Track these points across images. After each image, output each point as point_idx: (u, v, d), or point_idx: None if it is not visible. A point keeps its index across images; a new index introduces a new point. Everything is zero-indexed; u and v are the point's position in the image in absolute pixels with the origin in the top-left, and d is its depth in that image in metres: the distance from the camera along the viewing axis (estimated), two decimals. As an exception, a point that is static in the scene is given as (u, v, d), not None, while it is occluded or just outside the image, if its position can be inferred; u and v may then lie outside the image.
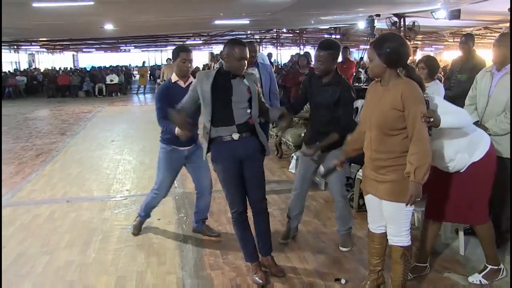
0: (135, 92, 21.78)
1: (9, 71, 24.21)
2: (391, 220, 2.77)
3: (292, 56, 14.57)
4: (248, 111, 3.12)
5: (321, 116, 3.62)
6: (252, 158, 3.24)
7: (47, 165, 6.95)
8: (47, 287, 3.31)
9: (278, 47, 23.79)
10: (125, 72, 24.57)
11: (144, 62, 23.84)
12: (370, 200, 2.91)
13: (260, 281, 3.19)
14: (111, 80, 20.34)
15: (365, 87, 10.82)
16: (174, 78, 3.76)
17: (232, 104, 3.07)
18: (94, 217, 4.60)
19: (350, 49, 12.09)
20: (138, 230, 4.19)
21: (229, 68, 3.09)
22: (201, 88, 3.06)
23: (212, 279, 3.35)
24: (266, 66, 5.34)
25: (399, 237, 2.77)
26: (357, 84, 10.81)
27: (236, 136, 3.10)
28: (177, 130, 3.44)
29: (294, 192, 3.95)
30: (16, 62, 29.07)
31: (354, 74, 10.75)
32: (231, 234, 3.95)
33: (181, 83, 3.73)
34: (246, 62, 3.10)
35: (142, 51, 36.24)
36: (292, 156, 6.30)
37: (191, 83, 3.49)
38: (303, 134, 6.13)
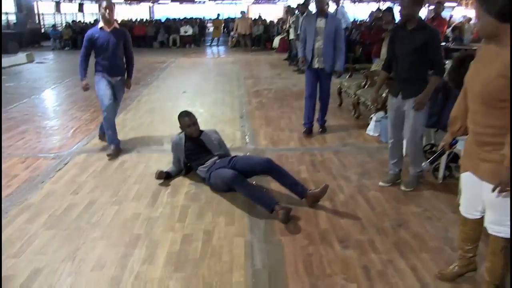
0: (209, 44, 21.78)
1: (90, 22, 25.06)
2: (493, 206, 2.30)
3: (372, 12, 13.61)
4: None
5: (406, 63, 3.72)
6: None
7: (120, 114, 6.98)
8: (115, 238, 3.25)
9: (356, 2, 22.52)
10: (199, 24, 24.50)
11: (218, 15, 23.55)
12: (467, 179, 2.46)
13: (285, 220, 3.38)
14: (185, 32, 20.35)
15: (453, 47, 9.89)
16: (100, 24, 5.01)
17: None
18: (162, 169, 4.49)
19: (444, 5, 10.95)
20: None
21: (189, 134, 4.32)
22: (177, 153, 4.40)
23: (283, 246, 3.12)
24: (335, 20, 5.57)
25: (501, 227, 2.29)
26: (444, 43, 9.87)
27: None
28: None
29: (390, 141, 4.11)
30: (96, 13, 29.93)
31: (445, 32, 9.81)
32: (300, 201, 3.70)
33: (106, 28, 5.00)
34: (195, 127, 4.32)
35: (217, 3, 35.97)
36: (371, 118, 5.85)
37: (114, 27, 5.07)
38: (384, 95, 5.66)
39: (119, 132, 5.91)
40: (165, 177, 4.30)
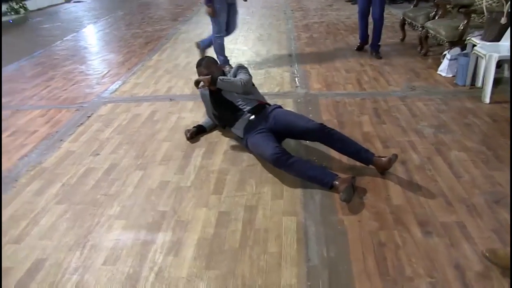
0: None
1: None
2: None
3: None
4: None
5: None
6: None
7: (155, 55, 6.28)
8: (135, 216, 2.63)
9: None
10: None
11: None
12: None
13: (346, 198, 2.53)
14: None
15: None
16: None
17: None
18: (199, 121, 3.79)
19: None
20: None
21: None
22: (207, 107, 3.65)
23: (346, 230, 2.38)
24: None
25: None
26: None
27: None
28: None
29: None
30: None
31: None
32: (366, 170, 2.89)
33: None
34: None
35: None
36: (444, 55, 4.79)
37: None
38: (462, 27, 4.58)
39: (151, 76, 5.26)
40: (199, 132, 3.60)
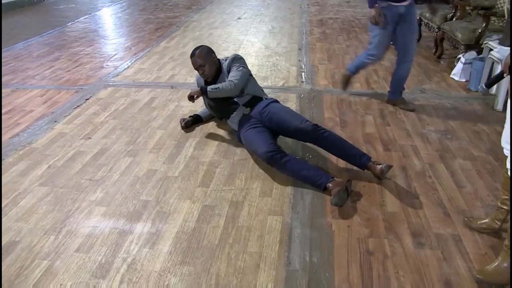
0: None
1: None
2: None
3: None
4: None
5: None
6: None
7: (163, 41, 6.18)
8: (117, 204, 2.53)
9: None
10: None
11: None
12: None
13: (338, 202, 2.40)
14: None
15: None
16: None
17: None
18: (196, 110, 3.67)
19: None
20: (345, 85, 4.08)
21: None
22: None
23: (333, 235, 2.25)
24: None
25: None
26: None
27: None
28: None
29: None
30: None
31: None
32: (362, 173, 2.75)
33: None
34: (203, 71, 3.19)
35: None
36: (459, 58, 4.60)
37: None
38: (480, 30, 4.39)
39: (156, 62, 5.16)
40: (195, 122, 3.49)
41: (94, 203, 2.54)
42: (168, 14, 8.24)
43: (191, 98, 3.06)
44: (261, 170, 2.84)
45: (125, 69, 4.98)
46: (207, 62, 3.16)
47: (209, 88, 3.03)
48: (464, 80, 4.44)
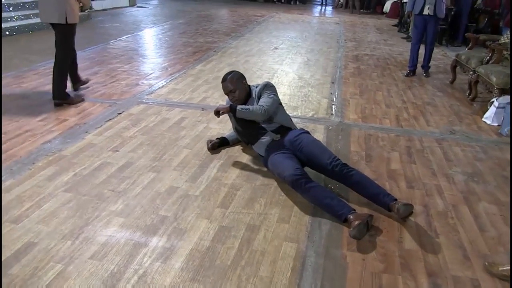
0: (316, 2, 20.33)
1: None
2: None
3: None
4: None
5: None
6: None
7: (199, 64, 6.33)
8: (135, 216, 2.56)
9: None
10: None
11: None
12: None
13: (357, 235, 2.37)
14: (292, -13, 19.11)
15: None
16: None
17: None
18: (224, 133, 3.72)
19: None
20: None
21: None
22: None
23: (347, 266, 2.21)
24: None
25: None
26: None
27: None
28: None
29: None
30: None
31: None
32: (383, 209, 2.70)
33: None
34: (233, 96, 3.26)
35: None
36: (492, 102, 4.52)
37: None
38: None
39: (190, 84, 5.28)
40: (221, 144, 3.53)
41: (114, 213, 2.58)
42: (207, 39, 8.47)
43: (217, 113, 3.09)
44: (281, 197, 2.83)
45: (159, 88, 5.11)
46: (238, 88, 3.21)
47: (239, 107, 3.07)
48: (496, 124, 4.35)
